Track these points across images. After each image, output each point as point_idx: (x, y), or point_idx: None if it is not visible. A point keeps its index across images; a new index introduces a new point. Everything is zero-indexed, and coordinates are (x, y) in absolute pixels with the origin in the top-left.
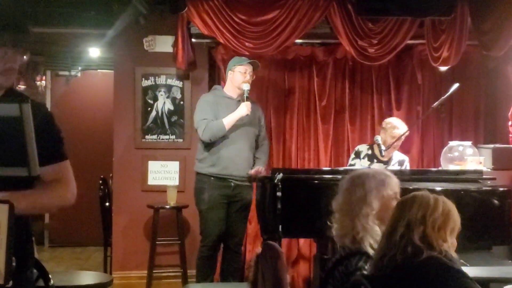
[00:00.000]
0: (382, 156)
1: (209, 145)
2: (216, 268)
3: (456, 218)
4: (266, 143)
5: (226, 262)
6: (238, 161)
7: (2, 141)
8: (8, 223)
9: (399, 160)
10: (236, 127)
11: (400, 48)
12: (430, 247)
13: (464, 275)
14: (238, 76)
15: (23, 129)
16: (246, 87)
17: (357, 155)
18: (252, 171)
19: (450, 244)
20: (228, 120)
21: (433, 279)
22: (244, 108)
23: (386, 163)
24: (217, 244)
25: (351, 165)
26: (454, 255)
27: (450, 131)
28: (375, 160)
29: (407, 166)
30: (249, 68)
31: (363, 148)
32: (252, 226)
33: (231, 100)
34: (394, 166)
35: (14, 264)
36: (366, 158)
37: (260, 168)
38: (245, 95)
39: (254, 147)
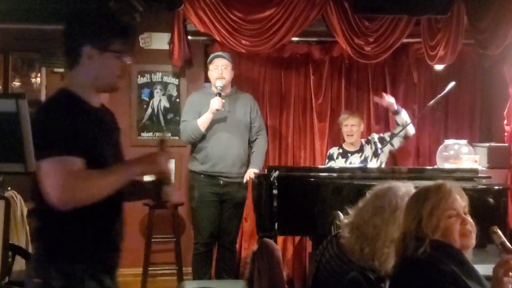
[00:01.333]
0: (379, 153)
1: (198, 143)
2: (212, 265)
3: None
4: (262, 135)
5: (220, 260)
6: (227, 158)
7: None
8: (4, 219)
9: (365, 140)
10: (223, 123)
11: (396, 46)
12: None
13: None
14: (212, 73)
15: (20, 125)
16: (219, 83)
17: (331, 158)
18: (244, 179)
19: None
20: (202, 120)
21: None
22: (214, 103)
23: (359, 151)
24: (211, 241)
25: None
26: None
27: (446, 130)
28: (349, 155)
29: (374, 138)
30: (220, 62)
31: (334, 150)
32: (248, 224)
33: (212, 95)
34: (367, 149)
35: (10, 259)
36: (340, 157)
37: (251, 174)
38: (217, 92)
39: (247, 141)
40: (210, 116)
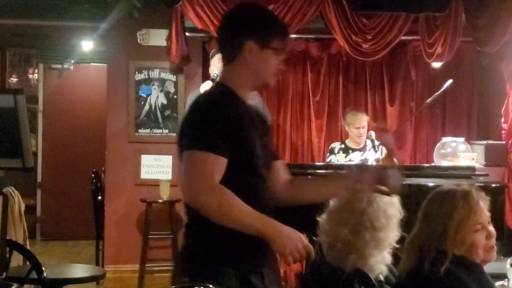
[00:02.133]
0: (376, 152)
1: None
2: None
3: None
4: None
5: None
6: None
7: None
8: (2, 215)
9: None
10: None
11: (394, 43)
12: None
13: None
14: (212, 68)
15: (18, 120)
16: (215, 71)
17: (332, 151)
18: None
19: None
20: None
21: None
22: (204, 86)
23: (362, 150)
24: None
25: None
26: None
27: (443, 127)
28: (350, 151)
29: (372, 136)
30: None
31: (336, 145)
32: None
33: None
34: (370, 150)
35: (8, 255)
36: (341, 152)
37: None
38: (212, 77)
39: None
40: None
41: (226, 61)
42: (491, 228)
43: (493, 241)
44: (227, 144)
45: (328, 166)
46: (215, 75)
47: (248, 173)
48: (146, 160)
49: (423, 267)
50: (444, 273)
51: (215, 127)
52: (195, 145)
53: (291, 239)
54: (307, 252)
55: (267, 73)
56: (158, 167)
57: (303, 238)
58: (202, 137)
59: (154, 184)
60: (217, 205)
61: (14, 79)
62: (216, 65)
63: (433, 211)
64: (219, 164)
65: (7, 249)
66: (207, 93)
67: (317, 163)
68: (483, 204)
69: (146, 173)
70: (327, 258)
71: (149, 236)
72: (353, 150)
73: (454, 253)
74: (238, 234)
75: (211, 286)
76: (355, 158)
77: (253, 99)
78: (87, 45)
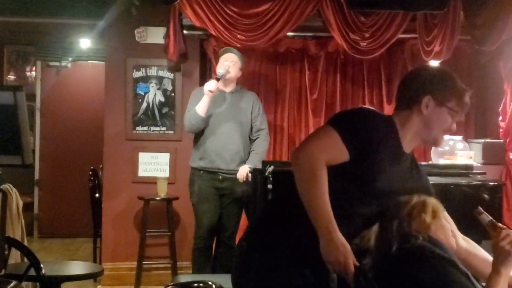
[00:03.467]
0: None
1: (197, 139)
2: (211, 260)
3: (434, 201)
4: (263, 134)
5: (218, 254)
6: (225, 154)
7: None
8: (1, 212)
9: None
10: (224, 119)
11: (392, 42)
12: (411, 235)
13: (450, 263)
14: (219, 66)
15: (17, 117)
16: (220, 70)
17: None
18: (238, 175)
19: (435, 227)
20: (200, 106)
21: (418, 268)
22: (209, 84)
23: None
24: (210, 236)
25: None
26: (443, 237)
27: None
28: None
29: None
30: (230, 57)
31: None
32: (243, 219)
33: (220, 92)
34: None
35: (6, 252)
36: None
37: (243, 171)
38: (217, 76)
39: (248, 138)
40: (206, 100)
41: (400, 107)
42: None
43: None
44: (358, 149)
45: None
46: (220, 74)
47: (357, 198)
48: (144, 158)
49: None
50: (417, 247)
51: (364, 129)
52: (334, 124)
53: (338, 251)
54: (345, 271)
55: (438, 129)
56: (155, 165)
57: (350, 257)
58: (347, 125)
59: (152, 181)
60: (304, 166)
61: (11, 77)
62: (223, 64)
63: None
64: (336, 150)
65: (5, 246)
66: (380, 115)
67: None
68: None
69: (143, 171)
70: None
71: (147, 234)
72: None
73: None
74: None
75: (209, 282)
76: None
77: (248, 102)
78: (85, 42)
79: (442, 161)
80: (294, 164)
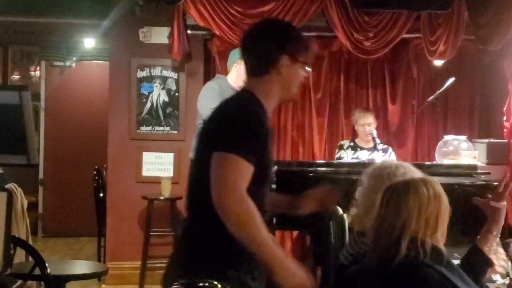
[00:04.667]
0: (378, 150)
1: None
2: None
3: (446, 201)
4: None
5: None
6: None
7: (2, 128)
8: (7, 211)
9: (383, 148)
10: None
11: (396, 41)
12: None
13: (444, 280)
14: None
15: (23, 117)
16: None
17: (341, 147)
18: None
19: (440, 234)
20: None
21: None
22: None
23: (370, 149)
24: None
25: (338, 158)
26: (441, 245)
27: (445, 125)
28: (358, 149)
29: (391, 153)
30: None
31: (345, 142)
32: None
33: (233, 91)
34: (379, 153)
35: (13, 252)
36: (349, 149)
37: None
38: None
39: None
40: None
41: (255, 73)
42: None
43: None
44: (256, 153)
45: (328, 165)
46: None
47: (261, 184)
48: (148, 157)
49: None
50: (421, 263)
51: (250, 135)
52: (230, 149)
53: (295, 276)
54: None
55: (294, 86)
56: (159, 164)
57: (308, 279)
58: (238, 142)
59: (156, 181)
60: (238, 214)
61: (16, 77)
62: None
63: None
64: (248, 172)
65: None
66: (243, 99)
67: (318, 161)
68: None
69: (147, 170)
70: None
71: (151, 233)
72: (362, 148)
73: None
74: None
75: (215, 282)
76: (363, 156)
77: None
78: (89, 42)
79: (446, 161)
80: (226, 214)
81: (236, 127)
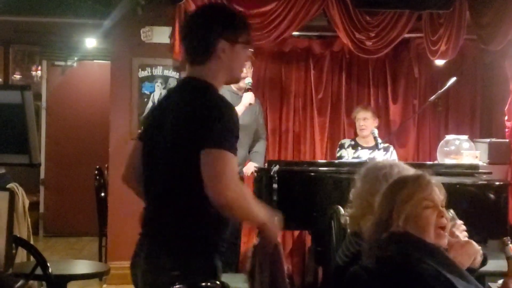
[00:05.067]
0: (379, 149)
1: None
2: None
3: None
4: (263, 139)
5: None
6: None
7: (4, 128)
8: (9, 211)
9: (384, 146)
10: None
11: (398, 41)
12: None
13: (439, 276)
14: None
15: (25, 116)
16: (248, 80)
17: (341, 146)
18: (244, 171)
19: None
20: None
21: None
22: (248, 97)
23: (371, 148)
24: None
25: (339, 157)
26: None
27: (447, 125)
28: (359, 148)
29: (392, 152)
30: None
31: (346, 141)
32: None
33: (234, 94)
34: (380, 152)
35: (14, 251)
36: (350, 148)
37: (251, 168)
38: (247, 87)
39: (250, 144)
40: (242, 110)
41: (199, 61)
42: (443, 209)
43: (445, 220)
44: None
45: (330, 164)
46: (250, 83)
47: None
48: None
49: (382, 256)
50: (402, 257)
51: (233, 129)
52: (222, 145)
53: (274, 224)
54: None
55: (240, 67)
56: None
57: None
58: (227, 138)
59: None
60: (239, 202)
61: (17, 76)
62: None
63: (386, 194)
64: (236, 164)
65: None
66: (217, 93)
67: (319, 161)
68: (437, 188)
69: None
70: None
71: None
72: (363, 147)
73: (401, 227)
74: (216, 224)
75: (218, 282)
76: (364, 155)
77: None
78: (90, 42)
79: (448, 161)
80: (228, 205)
81: (222, 124)
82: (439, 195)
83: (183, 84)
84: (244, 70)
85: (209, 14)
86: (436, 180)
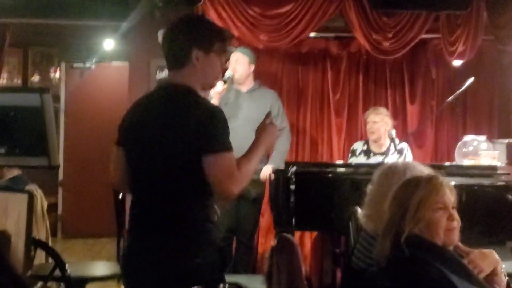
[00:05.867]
0: (392, 154)
1: None
2: (231, 260)
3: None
4: (285, 132)
5: (238, 254)
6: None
7: (23, 130)
8: (28, 213)
9: (398, 149)
10: (241, 118)
11: (415, 42)
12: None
13: (443, 279)
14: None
15: (44, 119)
16: (227, 73)
17: (353, 153)
18: (261, 176)
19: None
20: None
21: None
22: (219, 85)
23: (384, 153)
24: (229, 235)
25: None
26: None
27: (465, 126)
28: (371, 154)
29: (407, 153)
30: (234, 57)
31: (358, 146)
32: (265, 219)
33: (237, 92)
34: (393, 156)
35: (33, 253)
36: (362, 154)
37: (266, 171)
38: (224, 79)
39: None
40: (216, 102)
41: (175, 67)
42: (454, 212)
43: (455, 223)
44: None
45: (347, 165)
46: (226, 76)
47: None
48: None
49: (394, 255)
50: (409, 258)
51: (227, 128)
52: (226, 149)
53: (269, 139)
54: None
55: (215, 74)
56: None
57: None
58: (227, 140)
59: None
60: (244, 184)
61: (36, 78)
62: (230, 67)
63: (399, 194)
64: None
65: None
66: (201, 96)
67: (337, 162)
68: (449, 190)
69: None
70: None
71: None
72: (375, 153)
73: (412, 229)
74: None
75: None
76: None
77: (267, 100)
78: (108, 44)
79: (466, 162)
80: (237, 195)
81: (220, 127)
82: (450, 197)
83: (165, 89)
84: (231, 67)
85: (186, 25)
86: (447, 181)
